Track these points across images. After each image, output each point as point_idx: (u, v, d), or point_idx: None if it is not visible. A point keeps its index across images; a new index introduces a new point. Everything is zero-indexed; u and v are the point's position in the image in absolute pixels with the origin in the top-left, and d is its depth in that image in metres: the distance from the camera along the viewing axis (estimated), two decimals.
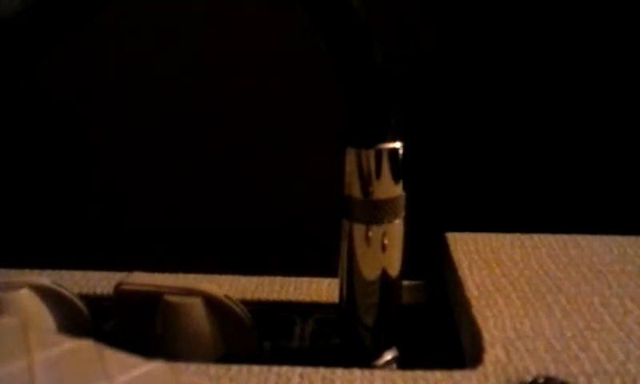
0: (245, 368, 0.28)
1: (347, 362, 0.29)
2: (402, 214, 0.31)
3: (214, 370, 0.27)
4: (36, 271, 0.37)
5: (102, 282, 0.39)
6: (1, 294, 0.32)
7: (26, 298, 0.33)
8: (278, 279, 0.40)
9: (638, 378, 0.27)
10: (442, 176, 0.82)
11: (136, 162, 0.82)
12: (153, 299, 0.33)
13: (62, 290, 0.34)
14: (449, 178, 0.82)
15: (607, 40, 0.77)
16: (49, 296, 0.33)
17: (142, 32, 0.78)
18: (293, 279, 0.40)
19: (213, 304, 0.32)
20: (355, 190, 0.30)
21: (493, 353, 0.28)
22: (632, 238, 0.39)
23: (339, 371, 0.27)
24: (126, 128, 0.81)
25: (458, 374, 0.27)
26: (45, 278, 0.34)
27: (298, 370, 0.28)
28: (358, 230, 0.31)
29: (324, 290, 0.39)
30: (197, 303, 0.32)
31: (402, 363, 0.33)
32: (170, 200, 0.83)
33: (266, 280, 0.39)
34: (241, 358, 0.31)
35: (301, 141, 0.81)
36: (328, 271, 0.38)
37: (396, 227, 0.31)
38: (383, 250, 0.31)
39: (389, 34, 0.72)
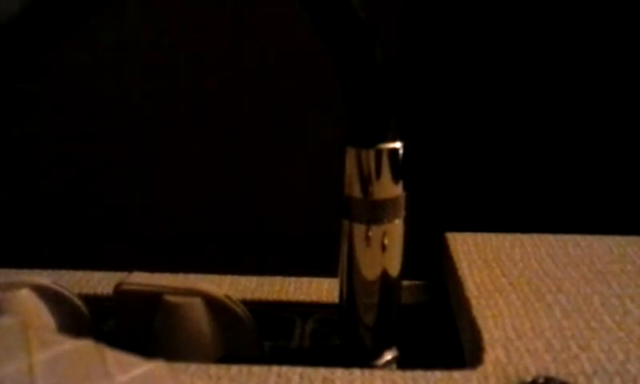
0: (245, 368, 0.28)
1: (347, 362, 0.29)
2: (402, 214, 0.31)
3: (214, 369, 0.27)
4: (36, 271, 0.37)
5: (102, 282, 0.39)
6: (1, 294, 0.32)
7: (26, 298, 0.33)
8: (278, 279, 0.40)
9: (638, 377, 0.27)
10: (442, 176, 0.82)
11: (136, 162, 0.82)
12: (153, 299, 0.33)
13: (62, 290, 0.34)
14: (449, 178, 0.82)
15: (607, 40, 0.77)
16: (49, 296, 0.33)
17: (141, 31, 0.78)
18: (293, 279, 0.40)
19: (213, 304, 0.32)
20: (355, 190, 0.30)
21: (493, 353, 0.28)
22: (632, 238, 0.39)
23: (339, 371, 0.27)
24: (126, 128, 0.81)
25: (457, 374, 0.27)
26: (45, 278, 0.34)
27: (298, 369, 0.28)
28: (358, 230, 0.31)
29: (324, 289, 0.39)
30: (197, 303, 0.32)
31: (402, 363, 0.32)
32: (169, 200, 0.83)
33: (266, 280, 0.39)
34: (241, 358, 0.31)
35: (301, 141, 0.81)
36: (328, 271, 0.38)
37: (396, 227, 0.31)
38: (383, 250, 0.31)
39: (389, 34, 0.72)
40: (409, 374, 0.27)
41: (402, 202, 0.31)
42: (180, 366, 0.27)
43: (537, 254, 0.37)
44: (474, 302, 0.32)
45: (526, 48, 0.78)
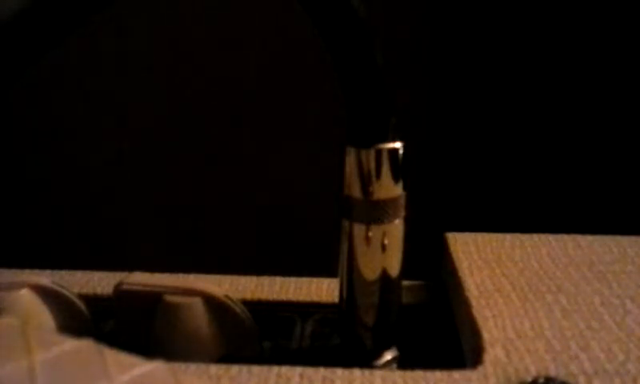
0: (245, 368, 0.28)
1: (347, 362, 0.29)
2: (402, 213, 0.31)
3: (214, 369, 0.27)
4: (36, 271, 0.37)
5: (102, 282, 0.39)
6: (1, 294, 0.32)
7: (26, 298, 0.33)
8: (278, 279, 0.40)
9: (638, 377, 0.27)
10: (442, 176, 0.82)
11: (136, 161, 0.82)
12: (153, 299, 0.33)
13: (62, 290, 0.34)
14: (449, 178, 0.82)
15: (607, 40, 0.77)
16: (49, 296, 0.33)
17: (142, 31, 0.78)
18: (293, 279, 0.40)
19: (213, 304, 0.32)
20: (355, 190, 0.30)
21: (493, 353, 0.28)
22: (632, 238, 0.39)
23: (339, 371, 0.27)
24: (127, 128, 0.81)
25: (457, 374, 0.27)
26: (45, 278, 0.34)
27: (298, 369, 0.28)
28: (358, 230, 0.31)
29: (324, 289, 0.39)
30: (197, 303, 0.32)
31: (402, 363, 0.32)
32: (169, 200, 0.83)
33: (265, 280, 0.39)
34: (241, 358, 0.31)
35: (301, 141, 0.81)
36: (328, 271, 0.38)
37: (396, 227, 0.31)
38: (383, 250, 0.31)
39: (389, 34, 0.72)
40: (409, 373, 0.27)
41: (402, 202, 0.31)
42: (180, 366, 0.27)
43: (537, 254, 0.37)
44: (474, 302, 0.32)
45: (526, 48, 0.78)
